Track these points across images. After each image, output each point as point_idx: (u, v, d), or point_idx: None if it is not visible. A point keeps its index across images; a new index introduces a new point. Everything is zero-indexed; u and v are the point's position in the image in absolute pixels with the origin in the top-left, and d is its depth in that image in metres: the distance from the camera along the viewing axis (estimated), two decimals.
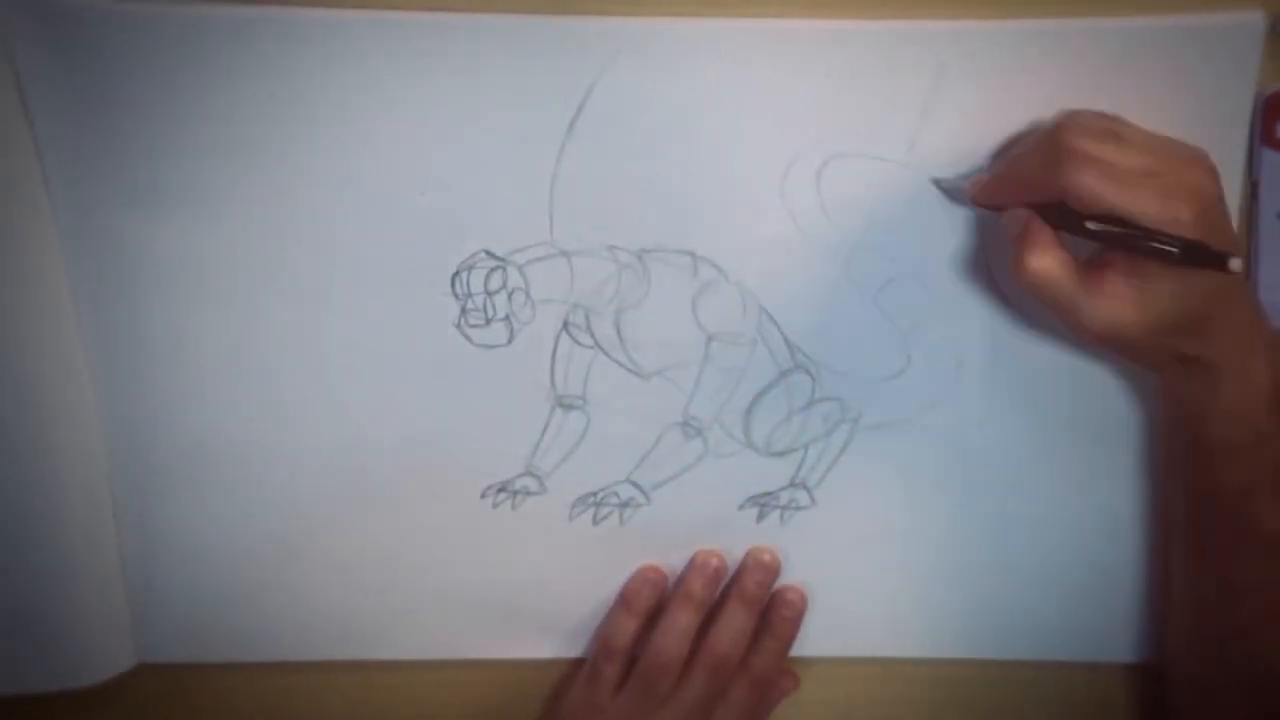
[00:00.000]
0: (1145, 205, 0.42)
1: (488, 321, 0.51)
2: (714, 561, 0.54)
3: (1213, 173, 0.43)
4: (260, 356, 0.51)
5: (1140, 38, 0.47)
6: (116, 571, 0.54)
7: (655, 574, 0.54)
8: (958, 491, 0.53)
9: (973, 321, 0.51)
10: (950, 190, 0.49)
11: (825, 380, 0.52)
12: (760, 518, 0.54)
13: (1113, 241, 0.43)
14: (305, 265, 0.50)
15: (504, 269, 0.50)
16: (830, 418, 0.53)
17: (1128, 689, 0.56)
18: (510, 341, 0.51)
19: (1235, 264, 0.41)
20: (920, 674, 0.56)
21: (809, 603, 0.54)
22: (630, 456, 0.53)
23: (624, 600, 0.54)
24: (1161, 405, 0.51)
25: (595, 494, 0.53)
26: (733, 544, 0.54)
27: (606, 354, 0.52)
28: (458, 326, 0.51)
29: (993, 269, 0.50)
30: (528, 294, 0.51)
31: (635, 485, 0.53)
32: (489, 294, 0.50)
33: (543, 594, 0.55)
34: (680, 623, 0.53)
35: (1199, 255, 0.42)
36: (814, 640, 0.55)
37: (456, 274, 0.50)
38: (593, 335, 0.51)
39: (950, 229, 0.50)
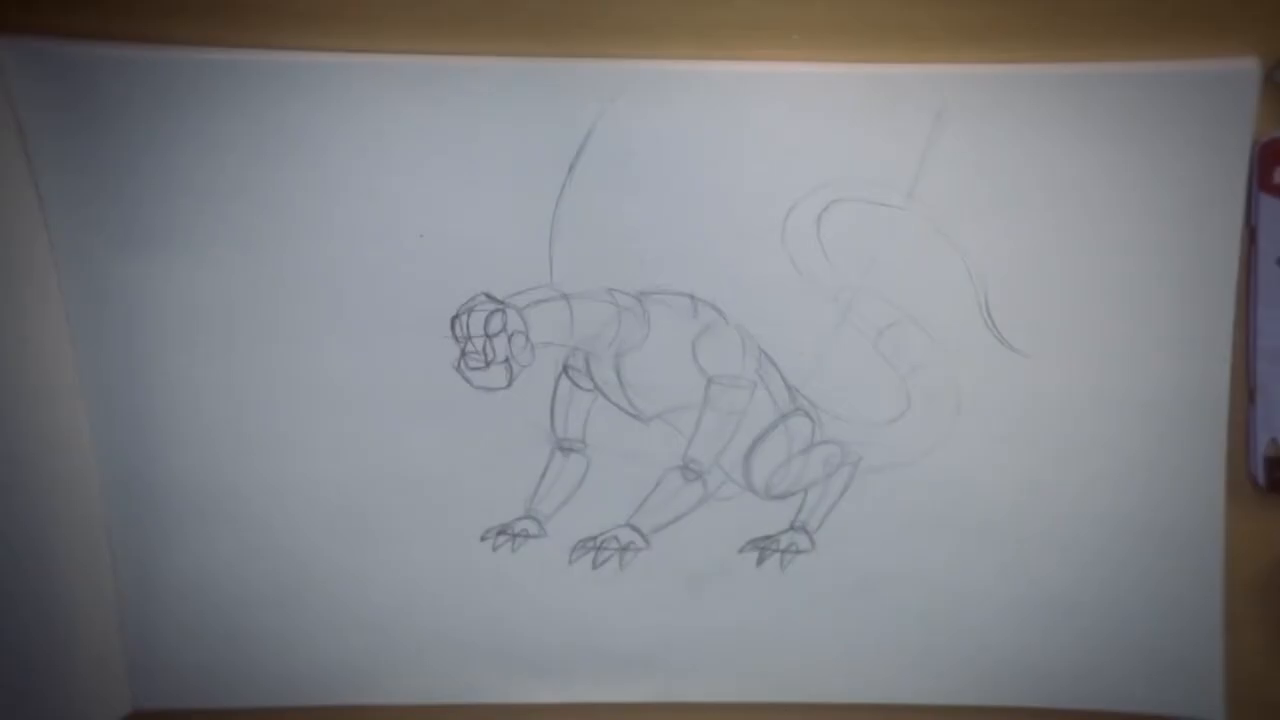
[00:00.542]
0: None
1: (487, 364, 0.51)
2: None
3: None
4: (259, 398, 0.51)
5: (1138, 84, 0.48)
6: (113, 617, 0.53)
7: None
8: (957, 535, 0.53)
9: (972, 366, 0.51)
10: None
11: (825, 423, 0.52)
12: (760, 561, 0.54)
13: None
14: (305, 307, 0.50)
15: (504, 311, 0.50)
16: (830, 461, 0.52)
17: None
18: (510, 384, 0.51)
19: None
20: (920, 718, 0.56)
21: (808, 647, 0.54)
22: (630, 500, 0.53)
23: None
24: None
25: (595, 538, 0.53)
26: (733, 588, 0.54)
27: (606, 397, 0.52)
28: (457, 369, 0.51)
29: None
30: (527, 337, 0.51)
31: (635, 529, 0.53)
32: (489, 336, 0.50)
33: (542, 638, 0.54)
34: None
35: None
36: (815, 685, 0.55)
37: (456, 316, 0.50)
38: (592, 378, 0.51)
39: (950, 273, 0.50)
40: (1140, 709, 0.55)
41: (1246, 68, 0.48)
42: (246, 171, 0.48)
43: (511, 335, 0.50)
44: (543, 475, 0.52)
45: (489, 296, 0.50)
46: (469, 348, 0.51)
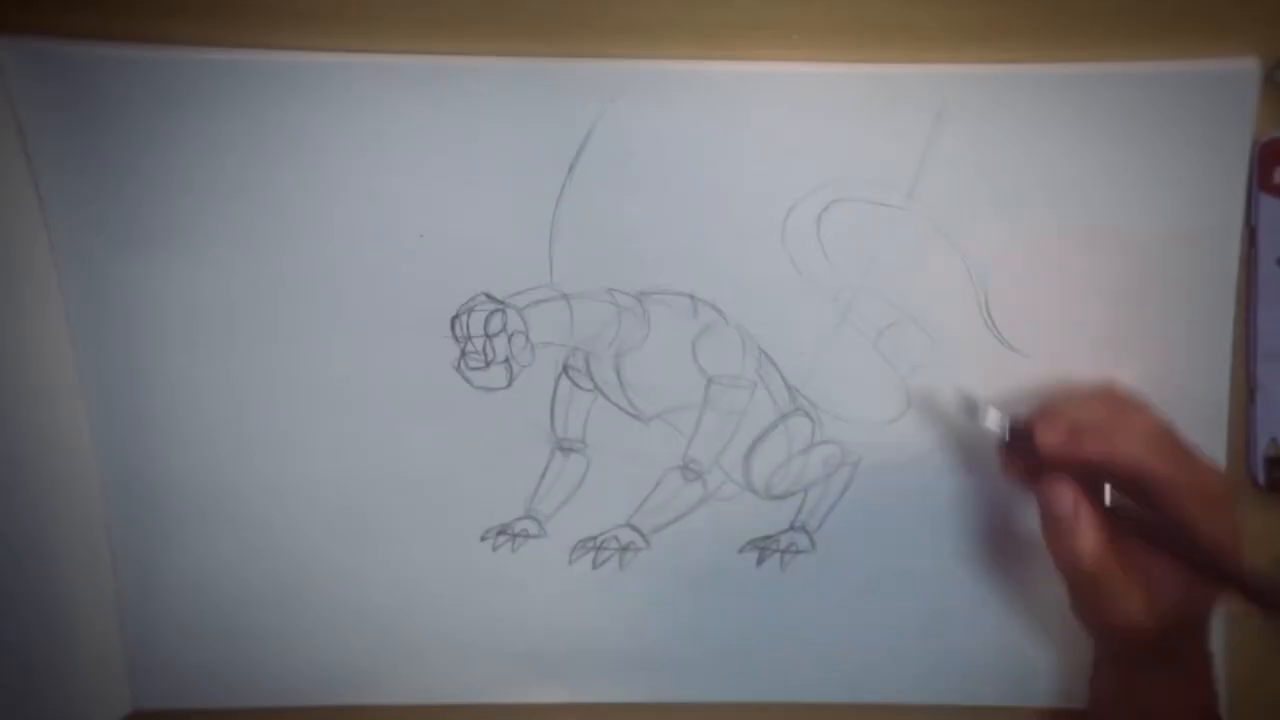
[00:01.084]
0: (1204, 514, 0.43)
1: (487, 364, 0.51)
2: None
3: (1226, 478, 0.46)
4: (259, 398, 0.51)
5: (1138, 84, 0.48)
6: (113, 616, 0.53)
7: None
8: (957, 535, 0.53)
9: (972, 366, 0.51)
10: (973, 410, 0.48)
11: (825, 423, 0.52)
12: (760, 561, 0.54)
13: (1165, 543, 0.44)
14: (305, 307, 0.50)
15: (504, 312, 0.50)
16: (830, 461, 0.52)
17: None
18: (510, 384, 0.51)
19: None
20: (921, 718, 0.56)
21: (808, 647, 0.54)
22: (630, 500, 0.53)
23: None
24: (1107, 685, 0.50)
25: (595, 538, 0.53)
26: (733, 588, 0.54)
27: (606, 397, 0.52)
28: (457, 369, 0.51)
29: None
30: (527, 337, 0.51)
31: (635, 529, 0.53)
32: (489, 336, 0.50)
33: (542, 638, 0.54)
34: None
35: (1259, 593, 0.42)
36: (815, 685, 0.55)
37: (456, 316, 0.50)
38: (592, 378, 0.51)
39: (950, 274, 0.50)
40: None
41: (1246, 68, 0.48)
42: (246, 171, 0.48)
43: (511, 335, 0.50)
44: (543, 475, 0.52)
45: (489, 296, 0.50)
46: (469, 348, 0.51)
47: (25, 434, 0.49)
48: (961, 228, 0.49)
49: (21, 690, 0.51)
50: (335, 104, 0.47)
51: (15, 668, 0.51)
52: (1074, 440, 0.45)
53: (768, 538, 0.53)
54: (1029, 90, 0.48)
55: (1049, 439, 0.45)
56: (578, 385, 0.51)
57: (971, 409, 0.48)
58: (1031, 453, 0.46)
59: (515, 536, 0.53)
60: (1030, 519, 0.53)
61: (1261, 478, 0.52)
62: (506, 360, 0.51)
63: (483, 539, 0.53)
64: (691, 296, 0.50)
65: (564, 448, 0.52)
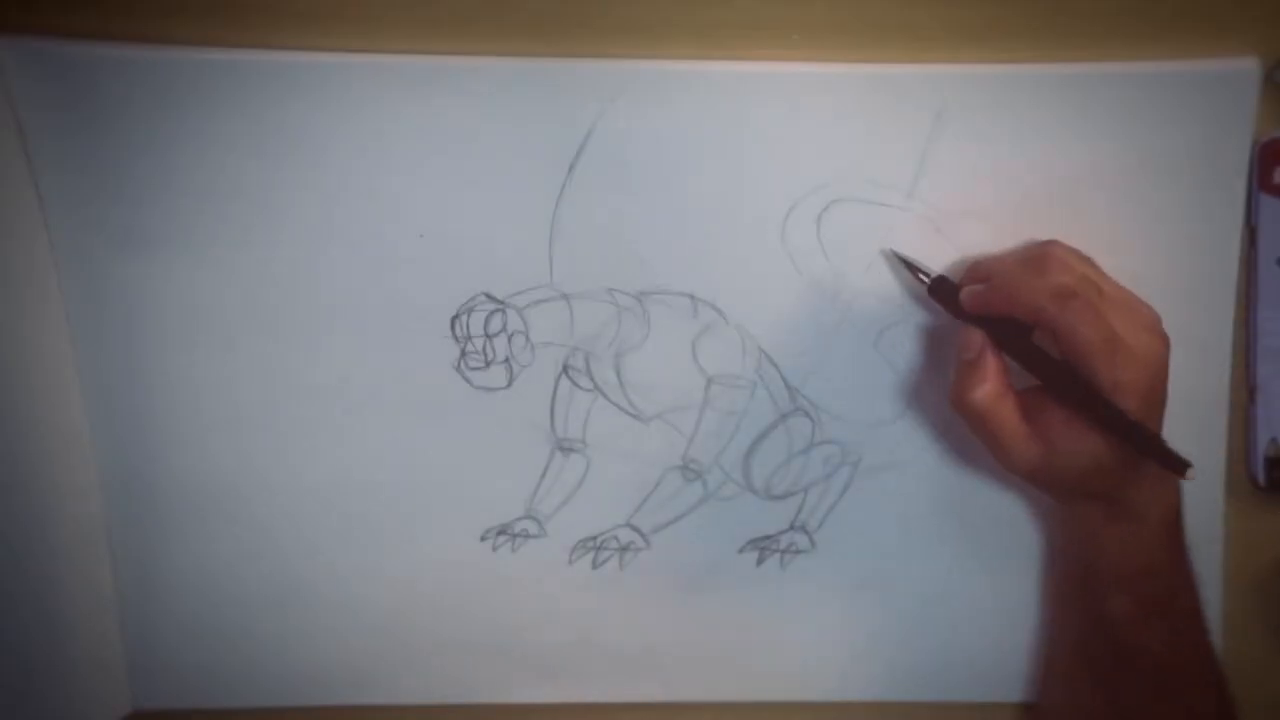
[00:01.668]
0: (1111, 370, 0.43)
1: (487, 364, 0.51)
2: None
3: (1166, 342, 0.45)
4: (259, 398, 0.51)
5: (1138, 84, 0.48)
6: (113, 616, 0.53)
7: None
8: (957, 535, 0.53)
9: None
10: (912, 267, 0.49)
11: (825, 423, 0.52)
12: (760, 561, 0.54)
13: (1071, 398, 0.45)
14: (304, 307, 0.50)
15: (504, 312, 0.50)
16: (830, 461, 0.52)
17: None
18: (510, 384, 0.51)
19: (1192, 473, 0.43)
20: (920, 717, 0.56)
21: (808, 647, 0.54)
22: (630, 500, 0.53)
23: None
24: (1058, 532, 0.52)
25: (595, 538, 0.53)
26: (733, 588, 0.54)
27: (606, 397, 0.52)
28: (457, 369, 0.51)
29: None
30: (527, 337, 0.51)
31: (635, 529, 0.53)
32: (488, 336, 0.50)
33: (542, 638, 0.54)
34: None
35: (1159, 452, 0.43)
36: (815, 685, 0.55)
37: (456, 316, 0.50)
38: (592, 378, 0.51)
39: (949, 274, 0.50)
40: None
41: (1246, 68, 0.48)
42: (246, 171, 0.48)
43: (511, 335, 0.50)
44: (543, 475, 0.52)
45: (489, 296, 0.50)
46: (469, 348, 0.51)
47: (25, 434, 0.49)
48: (961, 228, 0.49)
49: (21, 690, 0.51)
50: (335, 104, 0.47)
51: (15, 668, 0.51)
52: (986, 291, 0.46)
53: (767, 538, 0.53)
54: (1029, 90, 0.48)
55: (964, 290, 0.47)
56: (578, 385, 0.51)
57: (906, 264, 0.49)
58: (957, 305, 0.47)
59: (515, 536, 0.53)
60: (1030, 518, 0.53)
61: (1261, 478, 0.52)
62: (506, 360, 0.51)
63: (483, 539, 0.53)
64: (691, 296, 0.50)
65: (564, 448, 0.52)
